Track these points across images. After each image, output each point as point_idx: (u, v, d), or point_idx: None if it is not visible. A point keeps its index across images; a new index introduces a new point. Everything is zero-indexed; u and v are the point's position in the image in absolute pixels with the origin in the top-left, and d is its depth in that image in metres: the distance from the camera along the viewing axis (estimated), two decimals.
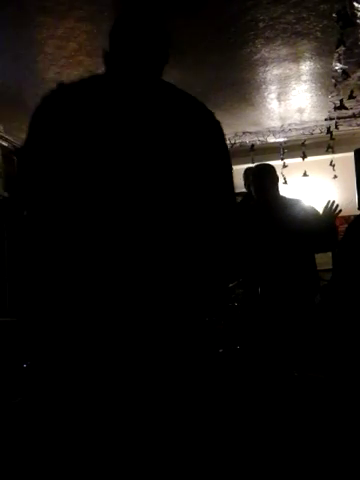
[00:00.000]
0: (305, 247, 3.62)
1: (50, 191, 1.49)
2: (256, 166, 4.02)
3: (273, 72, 4.75)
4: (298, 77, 4.89)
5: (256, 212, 3.78)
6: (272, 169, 3.91)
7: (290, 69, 4.71)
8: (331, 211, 3.62)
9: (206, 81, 4.88)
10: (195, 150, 1.55)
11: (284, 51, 4.37)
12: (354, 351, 2.97)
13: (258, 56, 4.44)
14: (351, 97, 4.75)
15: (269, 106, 5.58)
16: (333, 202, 3.61)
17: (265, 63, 4.58)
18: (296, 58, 4.52)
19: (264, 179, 3.81)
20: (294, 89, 5.15)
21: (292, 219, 3.61)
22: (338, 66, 4.51)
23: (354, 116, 5.83)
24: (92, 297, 1.43)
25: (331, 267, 4.12)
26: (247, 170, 4.56)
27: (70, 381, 1.55)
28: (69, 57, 4.33)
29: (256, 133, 6.31)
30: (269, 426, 3.28)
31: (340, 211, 3.64)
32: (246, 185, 4.43)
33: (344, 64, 4.41)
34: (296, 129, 6.19)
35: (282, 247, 3.56)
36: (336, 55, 4.34)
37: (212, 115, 1.70)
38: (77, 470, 1.66)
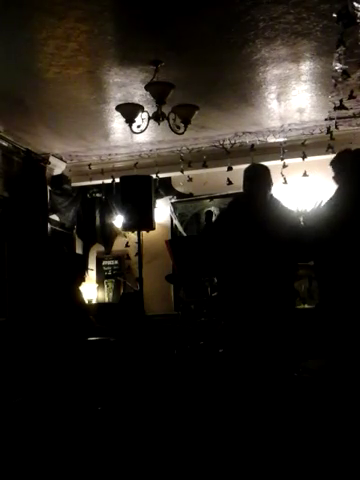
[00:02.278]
0: (283, 252, 3.57)
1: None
2: (248, 166, 3.88)
3: (273, 72, 4.75)
4: (298, 77, 4.89)
5: (242, 214, 3.73)
6: (263, 171, 3.79)
7: (290, 69, 4.71)
8: None
9: (206, 81, 4.88)
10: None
11: (284, 51, 4.37)
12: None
13: (258, 56, 4.44)
14: (351, 97, 4.75)
15: (269, 106, 5.58)
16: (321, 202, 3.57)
17: (265, 63, 4.58)
18: (296, 58, 4.52)
19: (253, 181, 3.72)
20: (294, 89, 5.15)
21: (273, 223, 3.59)
22: (338, 66, 4.51)
23: (354, 116, 5.83)
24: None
25: None
26: None
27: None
28: (69, 57, 4.33)
29: (256, 133, 6.31)
30: (269, 426, 3.28)
31: None
32: None
33: (344, 64, 4.40)
34: (296, 129, 6.19)
35: (262, 250, 3.52)
36: (336, 55, 4.33)
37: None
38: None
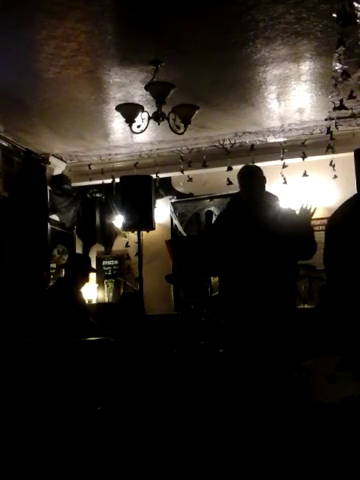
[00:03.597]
0: (282, 248, 3.59)
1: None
2: (241, 168, 3.98)
3: (273, 72, 4.75)
4: (298, 77, 4.89)
5: (239, 212, 3.78)
6: (254, 171, 3.89)
7: (290, 69, 4.71)
8: (306, 212, 3.61)
9: (206, 81, 4.89)
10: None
11: (284, 51, 4.37)
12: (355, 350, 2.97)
13: (258, 56, 4.44)
14: (351, 97, 4.75)
15: (269, 106, 5.58)
16: (311, 206, 3.60)
17: (265, 63, 4.58)
18: (296, 58, 4.52)
19: (248, 179, 3.79)
20: (294, 89, 5.15)
21: (270, 221, 3.62)
22: (338, 66, 4.51)
23: (354, 116, 5.82)
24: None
25: None
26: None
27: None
28: (69, 57, 4.33)
29: (256, 133, 6.31)
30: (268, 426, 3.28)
31: (315, 209, 3.63)
32: None
33: (344, 64, 4.41)
34: (296, 129, 6.19)
35: (259, 247, 3.55)
36: (336, 55, 4.34)
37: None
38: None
